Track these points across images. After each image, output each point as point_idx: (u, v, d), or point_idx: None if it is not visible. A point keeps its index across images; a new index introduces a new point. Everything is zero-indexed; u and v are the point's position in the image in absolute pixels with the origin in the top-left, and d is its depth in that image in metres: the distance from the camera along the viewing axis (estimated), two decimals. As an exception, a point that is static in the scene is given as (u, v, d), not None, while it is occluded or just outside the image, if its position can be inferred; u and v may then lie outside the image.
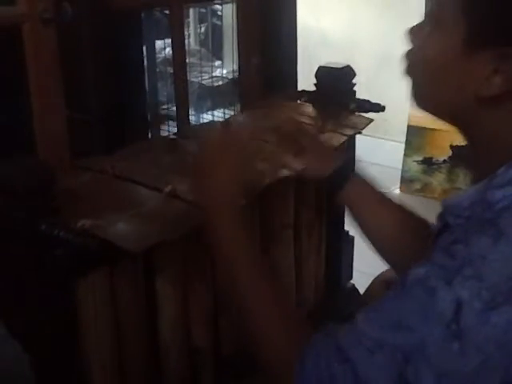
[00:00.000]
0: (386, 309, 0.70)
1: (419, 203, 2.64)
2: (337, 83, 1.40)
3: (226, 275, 0.86)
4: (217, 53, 3.68)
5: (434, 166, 3.06)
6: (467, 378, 0.65)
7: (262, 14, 1.53)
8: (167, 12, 1.73)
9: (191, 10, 3.59)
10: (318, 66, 1.42)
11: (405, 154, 3.12)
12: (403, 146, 3.12)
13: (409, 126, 3.10)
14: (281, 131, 1.19)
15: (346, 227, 1.51)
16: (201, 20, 3.78)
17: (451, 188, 2.98)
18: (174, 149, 1.23)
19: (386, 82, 2.93)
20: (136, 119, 1.42)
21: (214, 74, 3.30)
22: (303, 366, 0.73)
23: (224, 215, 0.87)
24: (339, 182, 1.08)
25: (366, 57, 3.20)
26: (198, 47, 3.67)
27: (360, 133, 1.35)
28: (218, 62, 3.57)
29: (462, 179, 2.94)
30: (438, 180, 3.05)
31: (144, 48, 1.88)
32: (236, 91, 2.16)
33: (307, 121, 1.34)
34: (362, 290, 1.38)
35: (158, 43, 2.65)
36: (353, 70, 1.42)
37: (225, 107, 2.94)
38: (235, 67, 2.55)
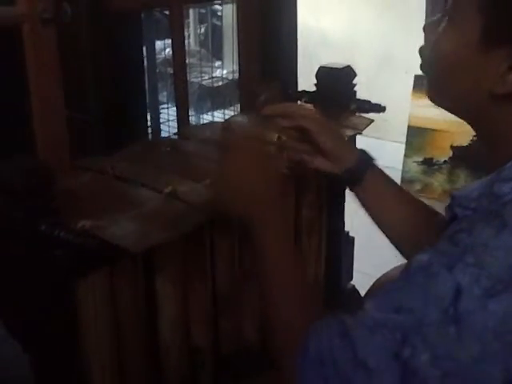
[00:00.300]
0: (390, 293, 0.72)
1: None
2: (337, 84, 1.40)
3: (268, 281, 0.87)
4: (217, 53, 3.68)
5: (435, 167, 3.05)
6: (465, 366, 0.65)
7: (262, 14, 1.53)
8: (167, 12, 1.73)
9: (191, 11, 3.60)
10: (318, 66, 1.42)
11: (405, 155, 3.11)
12: (403, 146, 3.12)
13: (409, 127, 3.09)
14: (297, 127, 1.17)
15: (346, 228, 1.51)
16: (201, 20, 3.79)
17: (452, 189, 2.98)
18: (174, 149, 1.23)
19: (386, 82, 2.93)
20: (136, 120, 1.42)
21: (213, 75, 3.31)
22: (307, 340, 0.75)
23: (269, 219, 0.86)
24: (357, 175, 1.08)
25: (366, 57, 3.19)
26: (197, 48, 3.68)
27: (360, 133, 1.34)
28: (217, 63, 3.58)
29: (463, 180, 2.94)
30: (439, 181, 3.04)
31: (144, 48, 1.87)
32: (236, 92, 2.16)
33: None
34: (362, 292, 1.38)
35: (158, 44, 2.65)
36: (353, 71, 1.42)
37: (225, 108, 2.94)
38: (235, 68, 2.56)
